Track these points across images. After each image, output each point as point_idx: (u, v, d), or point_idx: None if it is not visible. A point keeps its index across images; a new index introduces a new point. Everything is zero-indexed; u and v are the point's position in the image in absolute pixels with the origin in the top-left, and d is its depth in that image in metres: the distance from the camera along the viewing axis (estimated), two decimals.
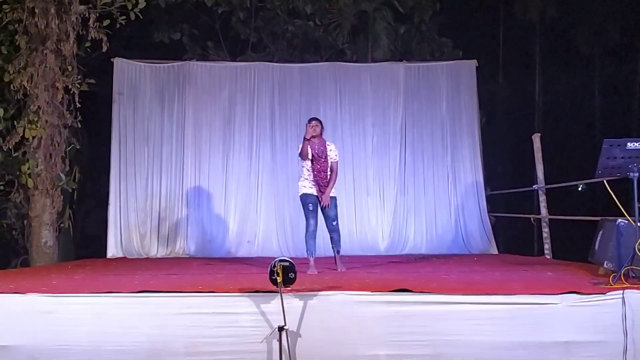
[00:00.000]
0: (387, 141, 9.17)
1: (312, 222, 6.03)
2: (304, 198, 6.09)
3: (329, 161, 6.06)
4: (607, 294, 4.16)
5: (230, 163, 8.98)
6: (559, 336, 4.09)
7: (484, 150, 9.38)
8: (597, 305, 4.13)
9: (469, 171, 9.15)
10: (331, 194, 6.09)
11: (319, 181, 6.03)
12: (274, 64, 9.56)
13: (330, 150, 6.08)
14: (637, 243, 4.47)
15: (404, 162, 9.14)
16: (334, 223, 6.14)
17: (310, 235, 6.04)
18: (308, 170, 6.08)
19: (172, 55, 9.86)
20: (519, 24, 14.13)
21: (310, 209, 6.03)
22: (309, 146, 5.96)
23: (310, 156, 5.98)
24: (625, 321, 4.04)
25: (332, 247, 6.29)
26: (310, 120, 6.14)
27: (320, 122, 6.15)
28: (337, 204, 6.22)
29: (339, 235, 6.26)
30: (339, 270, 6.08)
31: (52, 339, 4.15)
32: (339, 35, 10.99)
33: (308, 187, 6.08)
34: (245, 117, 9.07)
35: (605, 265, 4.95)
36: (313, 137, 6.00)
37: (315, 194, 6.05)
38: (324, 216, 6.15)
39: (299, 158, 6.14)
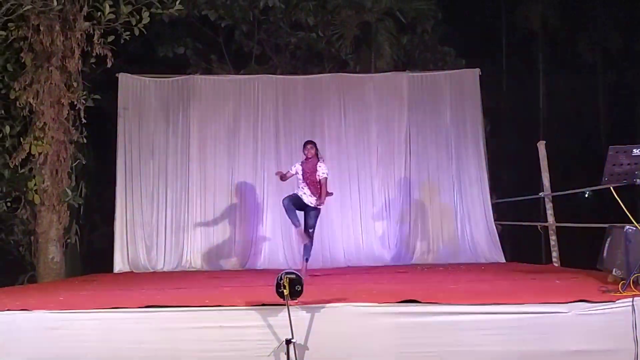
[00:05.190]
0: (392, 151, 9.18)
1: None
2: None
3: (317, 177, 6.73)
4: (617, 301, 4.13)
5: (235, 176, 9.00)
6: (568, 345, 4.06)
7: (489, 159, 9.37)
8: (606, 314, 4.10)
9: (475, 180, 9.13)
10: (316, 205, 6.74)
11: (309, 190, 6.75)
12: (278, 76, 9.61)
13: (320, 167, 6.76)
14: None
15: (409, 171, 9.13)
16: (310, 231, 6.80)
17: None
18: (299, 182, 6.88)
19: (176, 70, 9.91)
20: (521, 32, 14.16)
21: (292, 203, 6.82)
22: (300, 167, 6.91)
23: (300, 175, 6.83)
24: (635, 329, 4.00)
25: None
26: (305, 144, 6.94)
27: (315, 145, 6.91)
28: (319, 215, 6.95)
29: (312, 244, 6.87)
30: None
31: (60, 355, 4.14)
32: (342, 47, 11.02)
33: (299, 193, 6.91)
34: (249, 130, 9.10)
35: (614, 273, 4.91)
36: (307, 158, 6.81)
37: (299, 195, 6.81)
38: (304, 223, 6.79)
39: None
